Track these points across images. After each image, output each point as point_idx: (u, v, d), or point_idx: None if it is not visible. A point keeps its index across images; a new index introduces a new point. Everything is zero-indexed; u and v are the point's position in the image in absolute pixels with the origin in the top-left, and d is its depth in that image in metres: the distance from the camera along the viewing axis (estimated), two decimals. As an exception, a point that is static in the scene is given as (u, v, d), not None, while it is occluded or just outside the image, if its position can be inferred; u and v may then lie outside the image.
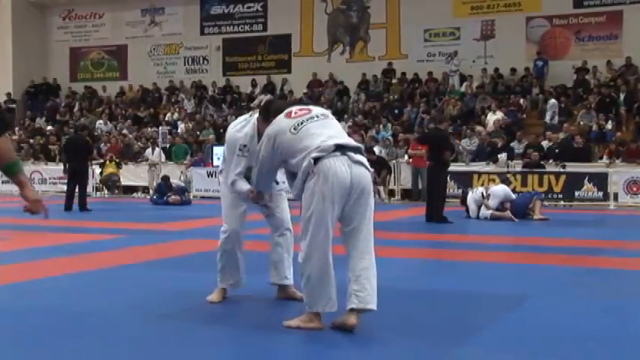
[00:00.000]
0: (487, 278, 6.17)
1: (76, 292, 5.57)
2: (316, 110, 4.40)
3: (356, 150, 4.20)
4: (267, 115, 4.57)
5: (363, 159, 4.20)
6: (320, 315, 4.16)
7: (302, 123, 4.24)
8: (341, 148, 4.13)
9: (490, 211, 11.65)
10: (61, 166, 19.01)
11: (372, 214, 4.20)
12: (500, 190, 11.95)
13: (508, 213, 11.56)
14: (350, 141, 4.23)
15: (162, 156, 19.58)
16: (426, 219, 11.28)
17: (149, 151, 19.68)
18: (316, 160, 4.08)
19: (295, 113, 4.33)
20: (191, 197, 16.42)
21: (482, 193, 11.87)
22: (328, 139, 4.14)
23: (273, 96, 23.45)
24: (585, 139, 16.97)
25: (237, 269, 5.14)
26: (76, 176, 13.86)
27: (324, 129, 4.23)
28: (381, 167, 16.16)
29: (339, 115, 19.08)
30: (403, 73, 22.49)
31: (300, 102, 20.56)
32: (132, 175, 20.17)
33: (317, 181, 4.07)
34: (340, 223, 4.23)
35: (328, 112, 4.49)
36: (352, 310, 4.10)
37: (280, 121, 4.34)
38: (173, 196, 15.42)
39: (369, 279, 4.08)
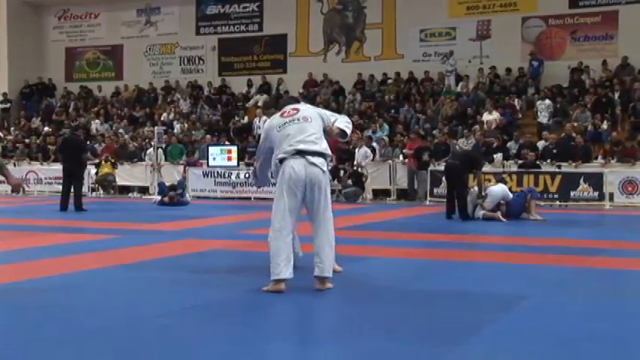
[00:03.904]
0: (484, 278, 6.16)
1: (70, 291, 5.53)
2: (302, 112, 5.57)
3: (314, 154, 5.37)
4: (275, 105, 5.90)
5: (317, 161, 5.36)
6: (283, 281, 5.29)
7: (285, 124, 5.50)
8: (301, 153, 5.34)
9: (483, 212, 11.63)
10: (56, 166, 19.02)
11: (327, 204, 5.41)
12: (498, 190, 11.83)
13: (498, 214, 11.53)
14: (311, 146, 5.38)
15: (163, 156, 19.46)
16: (462, 217, 11.71)
17: (151, 151, 19.55)
18: (281, 160, 5.40)
19: (288, 113, 5.58)
20: (188, 197, 16.34)
21: (481, 193, 11.80)
22: (295, 143, 5.36)
23: (269, 95, 23.49)
24: (582, 139, 16.95)
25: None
26: (72, 176, 13.81)
27: (298, 133, 5.41)
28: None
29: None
30: (398, 73, 22.47)
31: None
32: (127, 175, 20.11)
33: (280, 178, 5.38)
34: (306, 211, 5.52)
35: (311, 115, 5.55)
36: (316, 277, 5.40)
37: (274, 119, 5.68)
38: (169, 194, 15.31)
39: (326, 253, 5.37)
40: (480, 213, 11.64)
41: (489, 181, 12.75)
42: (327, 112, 5.99)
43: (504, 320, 4.54)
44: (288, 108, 5.64)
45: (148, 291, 5.55)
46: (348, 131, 5.84)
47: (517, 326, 4.37)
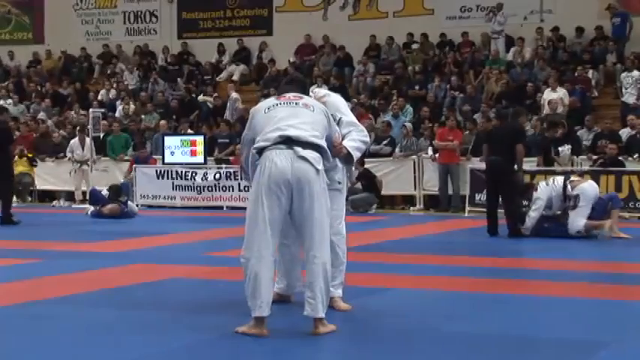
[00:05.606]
0: (549, 318, 6.19)
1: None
2: (306, 99, 5.73)
3: (306, 145, 5.40)
4: (274, 85, 6.07)
5: (309, 154, 5.39)
6: (264, 320, 5.29)
7: (277, 105, 5.64)
8: (288, 142, 5.36)
9: (582, 222, 11.37)
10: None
11: (322, 212, 5.39)
12: (591, 190, 11.64)
13: (609, 223, 11.34)
14: (303, 134, 5.42)
15: (94, 150, 19.36)
16: (511, 234, 11.69)
17: (75, 142, 19.47)
18: (260, 151, 5.42)
19: (287, 97, 5.72)
20: (136, 206, 16.31)
21: (567, 192, 11.50)
22: (285, 127, 5.41)
23: (248, 66, 23.48)
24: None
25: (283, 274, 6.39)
26: None
27: (290, 117, 5.51)
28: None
29: (342, 94, 18.96)
30: (425, 36, 22.48)
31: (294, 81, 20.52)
32: (51, 176, 20.06)
33: (257, 176, 5.41)
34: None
35: (315, 106, 5.67)
36: (308, 317, 5.37)
37: (267, 101, 5.86)
38: (110, 205, 15.29)
39: (319, 286, 5.34)
40: (578, 225, 11.35)
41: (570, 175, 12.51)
42: (344, 118, 6.18)
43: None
44: (291, 94, 5.77)
45: (83, 337, 5.54)
46: (356, 155, 6.06)
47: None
